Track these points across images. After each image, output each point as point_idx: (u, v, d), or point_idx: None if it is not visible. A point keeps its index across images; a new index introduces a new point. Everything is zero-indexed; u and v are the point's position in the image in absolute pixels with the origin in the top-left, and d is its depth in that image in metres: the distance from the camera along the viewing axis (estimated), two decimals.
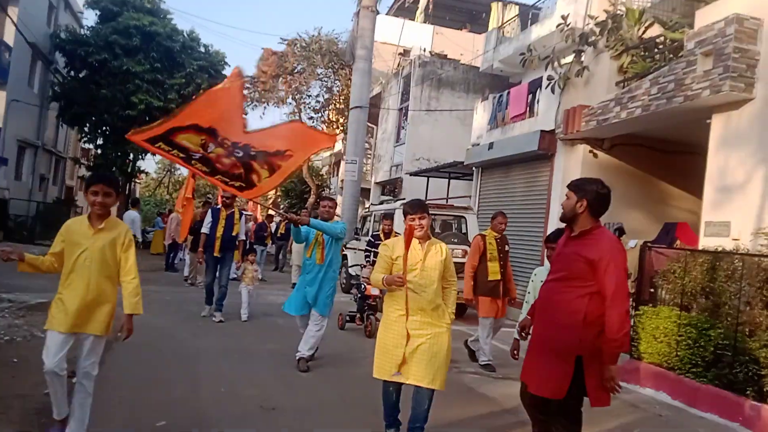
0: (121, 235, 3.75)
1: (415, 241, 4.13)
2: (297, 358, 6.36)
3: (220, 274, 8.99)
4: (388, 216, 9.34)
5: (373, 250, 8.86)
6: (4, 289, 9.48)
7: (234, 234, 9.02)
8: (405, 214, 4.21)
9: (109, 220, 3.74)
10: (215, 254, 8.90)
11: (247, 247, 12.77)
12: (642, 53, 10.08)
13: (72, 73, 24.00)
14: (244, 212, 10.05)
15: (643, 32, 10.24)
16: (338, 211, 12.89)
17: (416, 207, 4.18)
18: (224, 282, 8.95)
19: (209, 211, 9.33)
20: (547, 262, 4.30)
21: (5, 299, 8.78)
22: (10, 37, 20.09)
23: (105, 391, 5.04)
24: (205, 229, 9.03)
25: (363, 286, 8.71)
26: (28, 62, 22.85)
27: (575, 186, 3.58)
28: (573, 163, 11.19)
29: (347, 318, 9.01)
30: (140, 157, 25.42)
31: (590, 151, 10.91)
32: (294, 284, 9.58)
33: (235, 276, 10.90)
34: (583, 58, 10.90)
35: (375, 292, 8.22)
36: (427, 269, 4.10)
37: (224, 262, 9.01)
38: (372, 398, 4.62)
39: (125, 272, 3.76)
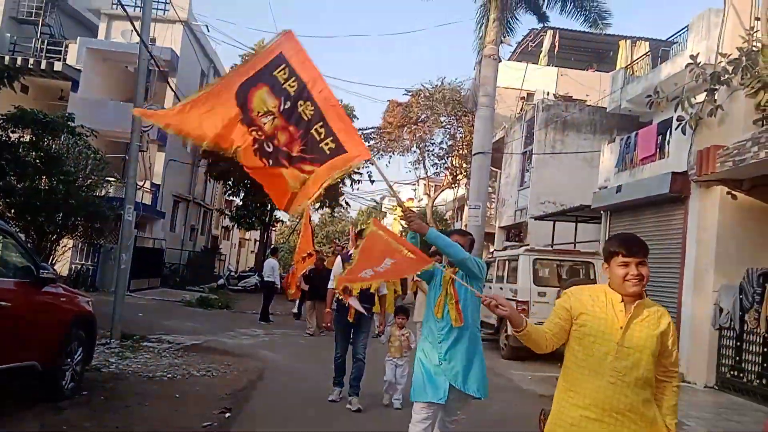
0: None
1: (614, 297, 2.69)
2: None
3: (356, 342, 6.67)
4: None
5: None
6: (164, 331, 10.64)
7: (372, 290, 6.64)
8: (612, 254, 2.71)
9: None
10: (349, 318, 6.56)
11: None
12: None
13: None
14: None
15: None
16: None
17: (634, 244, 2.72)
18: (361, 353, 6.62)
19: (338, 259, 7.23)
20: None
21: (165, 340, 9.84)
22: (169, 103, 22.69)
23: (256, 425, 5.62)
24: (332, 284, 6.72)
25: None
26: None
27: None
28: (709, 206, 10.66)
29: None
30: (277, 207, 27.26)
31: (728, 193, 10.36)
32: None
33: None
34: (716, 97, 10.48)
35: None
36: (630, 344, 2.61)
37: (360, 327, 6.67)
38: None
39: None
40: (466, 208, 22.45)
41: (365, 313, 6.59)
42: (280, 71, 3.53)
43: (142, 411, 5.73)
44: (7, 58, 19.12)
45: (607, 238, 2.54)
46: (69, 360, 5.94)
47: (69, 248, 16.24)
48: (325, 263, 13.27)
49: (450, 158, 27.83)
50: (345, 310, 6.56)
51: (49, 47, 22.56)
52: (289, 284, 14.35)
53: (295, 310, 15.84)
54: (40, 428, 4.98)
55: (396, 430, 5.35)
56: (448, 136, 27.56)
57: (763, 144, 8.75)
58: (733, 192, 10.31)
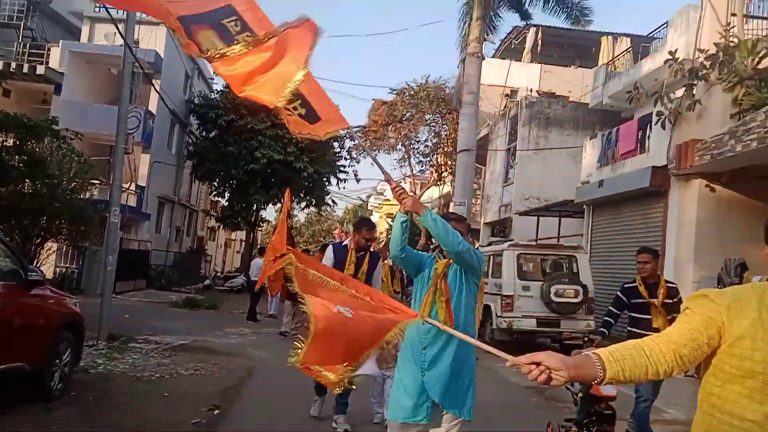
0: None
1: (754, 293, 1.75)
2: None
3: None
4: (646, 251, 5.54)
5: (613, 312, 5.57)
6: (151, 332, 10.66)
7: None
8: None
9: None
10: None
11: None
12: (756, 84, 9.75)
13: (204, 133, 26.50)
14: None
15: (757, 63, 9.92)
16: None
17: None
18: None
19: (329, 249, 5.92)
20: None
21: (152, 341, 9.86)
22: (153, 105, 22.62)
23: (246, 421, 5.69)
24: None
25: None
26: (167, 127, 25.50)
27: None
28: (688, 199, 10.89)
29: (563, 431, 5.18)
30: (263, 207, 27.25)
31: (707, 186, 10.60)
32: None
33: None
34: (694, 92, 10.69)
35: (610, 391, 4.75)
36: None
37: None
38: None
39: None
40: (451, 204, 22.59)
41: None
42: (230, 22, 2.99)
43: (131, 409, 5.78)
44: None
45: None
46: (57, 361, 5.97)
47: (53, 251, 16.16)
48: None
49: (435, 156, 27.97)
50: None
51: (31, 50, 22.38)
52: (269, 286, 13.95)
53: (271, 311, 15.28)
54: (32, 428, 5.02)
55: None
56: (433, 134, 27.70)
57: (740, 138, 8.96)
58: (712, 185, 10.55)
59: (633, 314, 5.40)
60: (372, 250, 5.76)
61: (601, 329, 5.54)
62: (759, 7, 12.46)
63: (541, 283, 11.04)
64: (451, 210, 21.96)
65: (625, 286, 5.51)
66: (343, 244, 5.82)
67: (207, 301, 17.97)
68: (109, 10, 11.62)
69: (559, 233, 17.21)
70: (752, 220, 10.27)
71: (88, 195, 14.89)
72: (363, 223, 5.88)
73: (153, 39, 22.55)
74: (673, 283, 5.50)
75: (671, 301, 5.28)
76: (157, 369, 7.70)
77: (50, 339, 5.86)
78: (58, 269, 17.59)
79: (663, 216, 11.44)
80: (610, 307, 5.58)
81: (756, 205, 10.44)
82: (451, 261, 3.53)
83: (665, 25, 15.09)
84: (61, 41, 22.29)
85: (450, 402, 3.49)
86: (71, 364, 6.30)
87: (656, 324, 5.16)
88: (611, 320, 5.53)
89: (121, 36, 10.83)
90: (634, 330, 5.24)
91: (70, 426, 5.13)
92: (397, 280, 10.57)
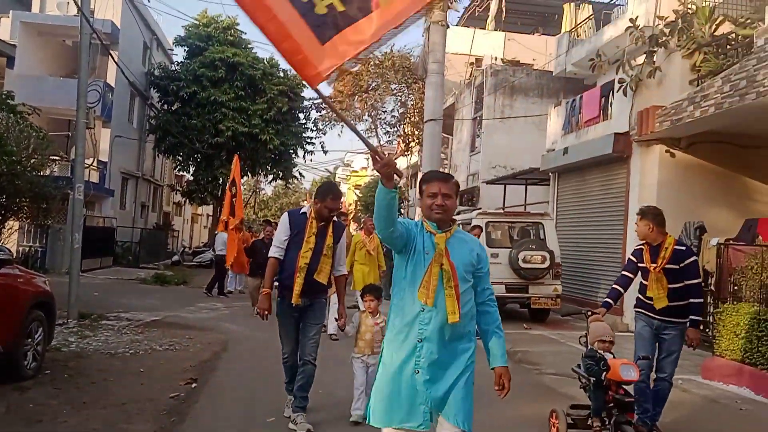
0: None
1: None
2: None
3: (303, 337, 4.83)
4: None
5: (624, 276, 5.01)
6: (122, 309, 10.61)
7: (320, 268, 4.77)
8: None
9: None
10: (293, 301, 4.68)
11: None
12: (714, 51, 10.00)
13: (165, 106, 25.99)
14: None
15: (714, 30, 10.15)
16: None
17: None
18: (310, 353, 4.79)
19: (286, 217, 5.01)
20: None
21: (124, 318, 9.82)
22: (111, 78, 22.00)
23: (224, 392, 5.77)
24: (276, 252, 4.82)
25: (602, 364, 4.33)
26: (127, 100, 24.89)
27: None
28: (650, 164, 11.16)
29: (570, 420, 4.57)
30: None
31: (667, 151, 10.87)
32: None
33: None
34: (654, 59, 10.90)
35: (630, 375, 4.21)
36: None
37: (311, 317, 4.87)
38: None
39: None
40: (419, 174, 22.66)
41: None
42: None
43: (107, 386, 5.79)
44: None
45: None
46: (30, 340, 5.94)
47: (15, 230, 15.79)
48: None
49: (402, 126, 27.93)
50: (289, 293, 4.70)
51: None
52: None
53: (230, 288, 14.99)
54: (7, 407, 5.00)
55: None
56: (399, 104, 27.60)
57: (698, 103, 9.21)
58: (672, 150, 10.84)
59: (641, 280, 4.87)
60: (335, 220, 4.98)
61: (606, 300, 4.90)
62: None
63: (509, 249, 11.27)
64: (419, 181, 21.99)
65: (636, 247, 5.03)
66: (302, 211, 4.96)
67: (176, 276, 17.87)
68: None
69: (525, 201, 17.50)
70: (710, 184, 10.68)
71: (48, 172, 14.55)
72: (328, 191, 4.86)
73: (109, 8, 21.88)
74: (683, 246, 4.82)
75: (676, 266, 4.65)
76: (131, 345, 7.70)
77: (21, 318, 5.80)
78: (21, 248, 17.23)
79: (626, 181, 11.73)
80: (622, 271, 5.02)
81: (714, 169, 10.79)
82: (452, 232, 2.95)
83: None
84: (11, 11, 21.42)
85: (456, 415, 2.82)
86: (44, 342, 6.27)
87: (650, 292, 4.70)
88: (620, 288, 4.91)
89: (77, 6, 10.48)
90: (640, 296, 4.88)
91: (45, 404, 5.13)
92: (383, 257, 9.96)
